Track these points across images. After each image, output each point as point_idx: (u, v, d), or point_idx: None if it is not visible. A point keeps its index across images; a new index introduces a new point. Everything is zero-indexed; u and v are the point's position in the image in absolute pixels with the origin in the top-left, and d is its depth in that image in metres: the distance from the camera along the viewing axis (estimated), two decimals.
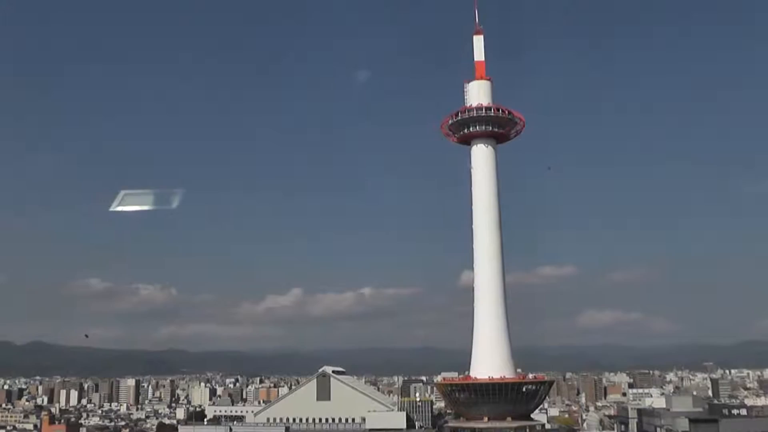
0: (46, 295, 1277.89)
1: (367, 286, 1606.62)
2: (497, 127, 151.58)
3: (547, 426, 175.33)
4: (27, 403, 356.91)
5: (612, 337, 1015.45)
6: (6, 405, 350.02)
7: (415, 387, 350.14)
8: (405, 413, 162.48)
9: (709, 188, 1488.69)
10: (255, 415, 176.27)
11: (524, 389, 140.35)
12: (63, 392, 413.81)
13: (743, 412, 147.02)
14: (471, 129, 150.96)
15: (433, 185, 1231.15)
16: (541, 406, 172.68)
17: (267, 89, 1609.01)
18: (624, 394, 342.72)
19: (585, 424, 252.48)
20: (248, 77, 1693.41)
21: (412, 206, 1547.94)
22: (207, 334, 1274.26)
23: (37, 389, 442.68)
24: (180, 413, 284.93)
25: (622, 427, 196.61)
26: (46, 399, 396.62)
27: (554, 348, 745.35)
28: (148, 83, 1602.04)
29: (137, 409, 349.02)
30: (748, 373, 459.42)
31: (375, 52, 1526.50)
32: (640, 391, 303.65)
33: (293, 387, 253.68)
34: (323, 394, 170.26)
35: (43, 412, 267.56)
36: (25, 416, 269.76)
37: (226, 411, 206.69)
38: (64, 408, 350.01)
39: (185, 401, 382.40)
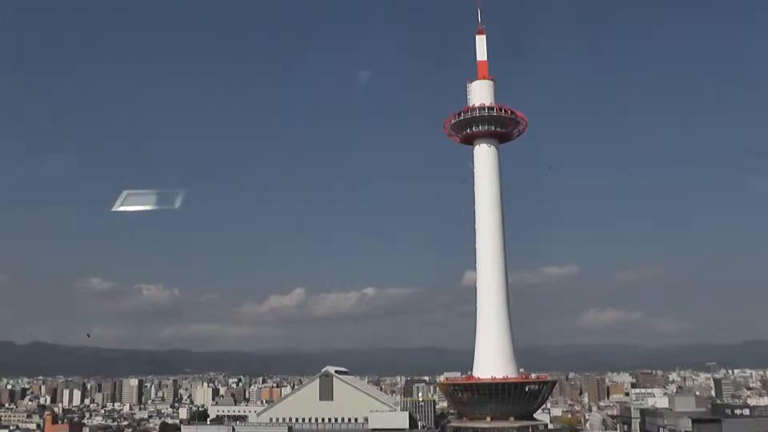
0: (49, 295, 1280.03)
1: (370, 286, 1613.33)
2: (500, 127, 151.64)
3: (550, 426, 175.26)
4: (30, 403, 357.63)
5: (615, 337, 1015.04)
6: (9, 405, 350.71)
7: (417, 387, 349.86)
8: (408, 413, 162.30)
9: (713, 188, 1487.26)
10: (258, 415, 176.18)
11: (527, 389, 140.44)
12: (66, 392, 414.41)
13: (746, 412, 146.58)
14: (474, 129, 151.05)
15: (437, 185, 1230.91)
16: (544, 406, 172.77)
17: (270, 89, 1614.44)
18: (627, 394, 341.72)
19: (588, 424, 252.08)
20: (251, 77, 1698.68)
21: (415, 206, 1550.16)
22: (210, 334, 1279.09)
23: (40, 389, 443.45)
24: (183, 413, 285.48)
25: (625, 427, 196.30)
26: (49, 399, 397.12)
27: (557, 348, 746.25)
28: (151, 83, 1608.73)
29: (140, 409, 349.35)
30: (751, 373, 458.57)
31: (378, 52, 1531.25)
32: (643, 391, 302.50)
33: (296, 387, 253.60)
34: (326, 394, 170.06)
35: (46, 412, 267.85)
36: (28, 416, 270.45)
37: (228, 411, 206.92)
38: (67, 408, 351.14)
39: (188, 401, 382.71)
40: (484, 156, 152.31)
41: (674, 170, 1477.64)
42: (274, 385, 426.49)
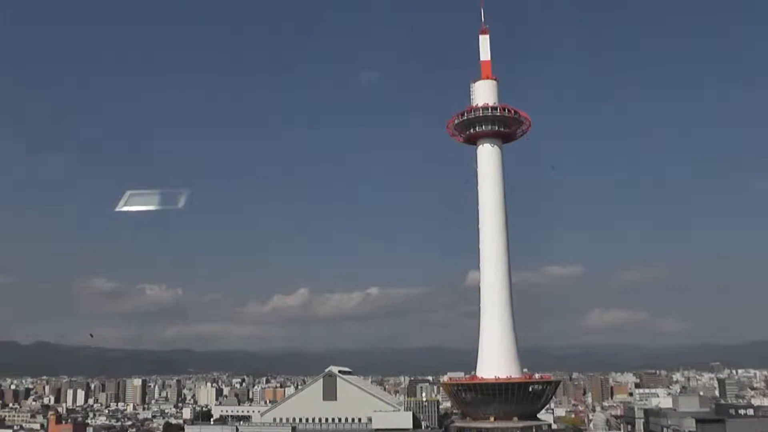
0: (52, 296, 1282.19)
1: (373, 286, 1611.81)
2: (503, 127, 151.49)
3: (554, 426, 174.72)
4: (34, 403, 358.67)
5: (618, 337, 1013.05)
6: (13, 404, 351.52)
7: (421, 387, 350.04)
8: (411, 413, 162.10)
9: (713, 188, 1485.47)
10: (261, 414, 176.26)
11: (531, 389, 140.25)
12: (70, 392, 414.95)
13: (750, 412, 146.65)
14: (477, 129, 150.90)
15: (438, 185, 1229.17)
16: (548, 406, 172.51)
17: (270, 89, 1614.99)
18: (631, 394, 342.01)
19: (591, 424, 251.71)
20: (251, 77, 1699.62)
21: (418, 206, 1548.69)
22: (213, 334, 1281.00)
23: (43, 389, 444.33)
24: (186, 413, 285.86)
25: (629, 427, 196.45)
26: (52, 399, 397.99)
27: (560, 348, 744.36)
28: (151, 83, 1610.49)
29: (144, 409, 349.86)
30: (755, 373, 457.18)
31: (378, 52, 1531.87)
32: (647, 391, 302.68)
33: (300, 387, 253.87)
34: (329, 394, 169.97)
35: (50, 412, 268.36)
36: (32, 416, 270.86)
37: (232, 411, 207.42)
38: (70, 408, 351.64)
39: (192, 401, 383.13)
40: (488, 156, 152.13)
41: (674, 170, 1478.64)
42: (278, 385, 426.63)
